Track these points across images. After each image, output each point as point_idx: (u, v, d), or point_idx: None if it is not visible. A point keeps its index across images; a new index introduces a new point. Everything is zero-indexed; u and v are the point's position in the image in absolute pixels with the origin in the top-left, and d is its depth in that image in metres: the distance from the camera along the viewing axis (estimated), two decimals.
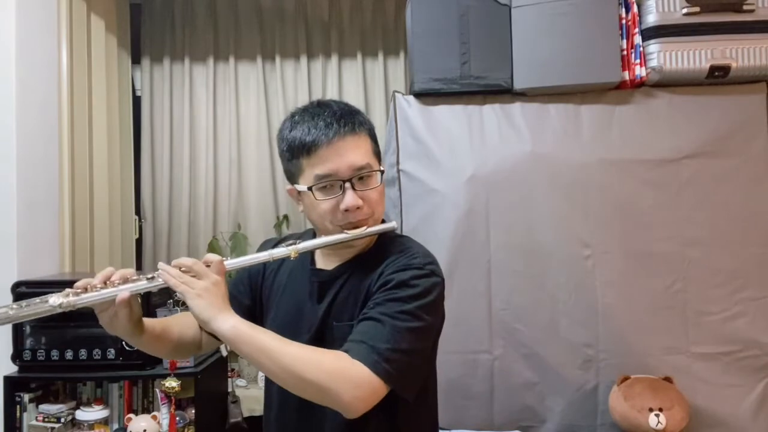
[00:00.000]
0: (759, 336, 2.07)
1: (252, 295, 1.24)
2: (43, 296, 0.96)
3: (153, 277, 1.00)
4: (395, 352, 0.97)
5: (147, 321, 1.10)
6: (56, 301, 0.95)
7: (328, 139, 1.05)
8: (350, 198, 1.05)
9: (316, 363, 0.95)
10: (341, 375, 0.94)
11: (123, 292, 0.99)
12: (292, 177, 1.12)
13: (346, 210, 1.05)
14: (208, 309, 0.97)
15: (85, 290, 0.98)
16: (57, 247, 2.35)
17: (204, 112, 3.12)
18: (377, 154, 1.13)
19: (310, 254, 1.18)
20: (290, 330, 1.09)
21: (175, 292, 0.99)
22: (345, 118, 1.07)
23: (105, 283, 1.00)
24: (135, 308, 1.05)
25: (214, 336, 1.14)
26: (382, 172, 1.12)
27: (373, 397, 0.96)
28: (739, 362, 2.07)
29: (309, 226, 1.22)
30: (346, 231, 1.07)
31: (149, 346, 1.14)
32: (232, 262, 1.04)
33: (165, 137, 3.11)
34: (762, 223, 2.10)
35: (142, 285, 1.00)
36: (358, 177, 1.07)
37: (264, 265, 1.24)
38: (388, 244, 1.13)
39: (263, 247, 1.25)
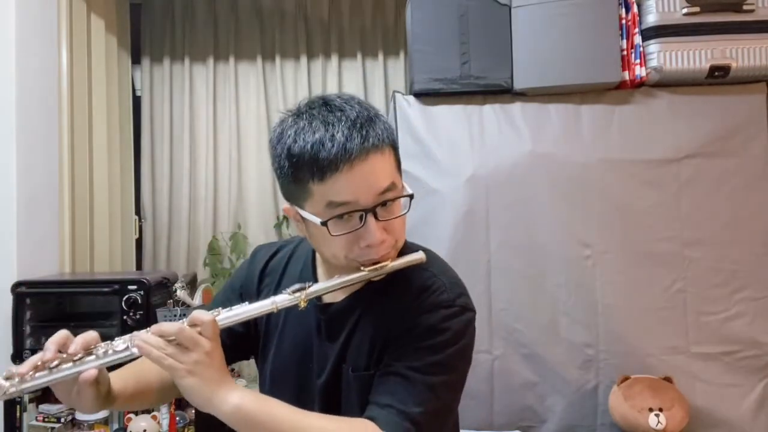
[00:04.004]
0: (759, 336, 2.07)
1: (246, 321, 0.96)
2: None
3: (126, 348, 0.82)
4: (429, 415, 0.85)
5: (116, 383, 0.90)
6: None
7: (348, 158, 0.81)
8: (374, 233, 0.85)
9: None
10: None
11: (89, 369, 0.81)
12: (293, 199, 0.90)
13: (368, 246, 0.86)
14: (203, 388, 0.79)
15: (36, 369, 0.80)
16: (57, 247, 2.35)
17: (204, 112, 3.12)
18: (400, 168, 0.92)
19: (311, 278, 0.99)
20: (298, 372, 0.97)
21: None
22: (366, 128, 0.84)
23: (60, 352, 0.82)
24: (103, 382, 0.86)
25: None
26: (412, 196, 0.91)
27: None
28: (739, 362, 2.07)
29: None
30: (363, 267, 0.88)
31: (124, 408, 0.97)
32: (226, 317, 0.86)
33: (165, 137, 3.11)
34: (762, 223, 2.10)
35: (112, 358, 0.82)
36: (382, 203, 0.86)
37: (259, 281, 1.06)
38: (404, 269, 0.92)
39: (255, 257, 1.10)
